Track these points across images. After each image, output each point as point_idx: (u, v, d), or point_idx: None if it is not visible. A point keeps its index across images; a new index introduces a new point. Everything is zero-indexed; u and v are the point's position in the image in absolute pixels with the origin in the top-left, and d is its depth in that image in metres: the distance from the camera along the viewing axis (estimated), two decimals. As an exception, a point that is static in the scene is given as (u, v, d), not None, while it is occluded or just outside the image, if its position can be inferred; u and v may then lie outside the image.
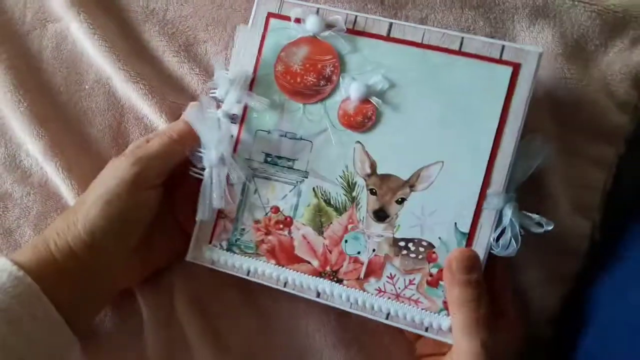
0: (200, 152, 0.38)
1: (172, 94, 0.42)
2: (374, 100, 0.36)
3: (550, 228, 0.35)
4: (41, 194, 0.42)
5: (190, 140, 0.37)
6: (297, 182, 0.38)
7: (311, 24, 0.37)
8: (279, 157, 0.38)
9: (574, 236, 0.39)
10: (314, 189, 0.38)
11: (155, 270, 0.40)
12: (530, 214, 0.35)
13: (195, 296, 0.40)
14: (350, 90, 0.37)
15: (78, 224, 0.35)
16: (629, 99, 0.38)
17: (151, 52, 0.43)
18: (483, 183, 0.35)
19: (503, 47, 0.35)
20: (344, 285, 0.37)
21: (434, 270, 0.36)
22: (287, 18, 0.38)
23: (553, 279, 0.39)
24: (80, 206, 0.36)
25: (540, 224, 0.35)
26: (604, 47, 0.39)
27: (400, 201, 0.36)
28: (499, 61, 0.35)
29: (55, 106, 0.43)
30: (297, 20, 0.38)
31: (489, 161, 0.35)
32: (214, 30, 0.42)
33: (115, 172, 0.35)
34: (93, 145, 0.43)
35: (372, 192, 0.37)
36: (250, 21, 0.39)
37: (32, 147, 0.42)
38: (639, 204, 0.38)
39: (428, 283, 0.36)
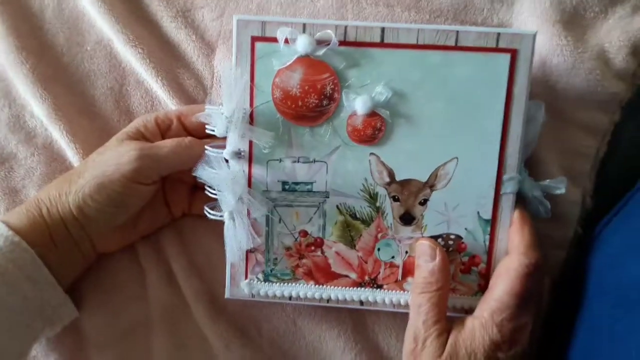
0: (213, 193, 0.35)
1: (169, 59, 0.41)
2: (382, 112, 0.34)
3: (564, 186, 0.35)
4: (45, 155, 0.41)
5: (200, 151, 0.35)
6: (319, 203, 0.36)
7: (302, 45, 0.34)
8: (296, 183, 0.36)
9: (565, 202, 0.38)
10: (337, 206, 0.36)
11: (138, 238, 0.40)
12: (542, 183, 0.36)
13: (189, 259, 0.40)
14: (355, 105, 0.35)
15: (70, 196, 0.35)
16: (626, 67, 0.37)
17: (150, 15, 0.41)
18: (498, 170, 0.35)
19: (498, 35, 0.34)
20: (384, 290, 0.37)
21: (465, 259, 0.37)
22: (273, 40, 0.34)
23: (546, 245, 0.38)
24: (75, 178, 0.35)
25: (555, 187, 0.36)
26: (604, 13, 0.38)
27: (423, 202, 0.36)
28: (496, 49, 0.34)
29: (57, 67, 0.41)
30: (286, 41, 0.34)
31: (500, 148, 0.35)
32: None
33: (117, 159, 0.35)
34: (96, 107, 0.41)
35: (395, 198, 0.36)
36: (234, 50, 0.34)
37: (36, 108, 0.40)
38: (636, 172, 0.38)
39: (461, 271, 0.37)
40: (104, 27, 0.41)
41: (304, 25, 0.34)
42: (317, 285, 0.38)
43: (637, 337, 0.32)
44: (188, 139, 0.37)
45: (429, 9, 0.39)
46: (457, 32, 0.34)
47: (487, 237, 0.36)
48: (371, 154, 0.36)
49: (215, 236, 0.39)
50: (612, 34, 0.37)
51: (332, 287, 0.37)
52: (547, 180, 0.36)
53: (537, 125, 0.36)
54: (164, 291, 0.40)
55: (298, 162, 0.36)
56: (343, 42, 0.34)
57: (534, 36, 0.34)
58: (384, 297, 0.37)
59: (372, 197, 0.36)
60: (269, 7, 0.40)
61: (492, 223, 0.36)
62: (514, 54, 0.34)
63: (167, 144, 0.36)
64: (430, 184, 0.36)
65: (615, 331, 0.33)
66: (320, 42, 0.34)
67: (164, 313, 0.40)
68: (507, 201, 0.36)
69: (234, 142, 0.35)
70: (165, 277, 0.40)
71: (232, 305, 0.40)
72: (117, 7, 0.40)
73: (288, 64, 0.34)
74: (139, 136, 0.38)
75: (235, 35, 0.34)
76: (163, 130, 0.38)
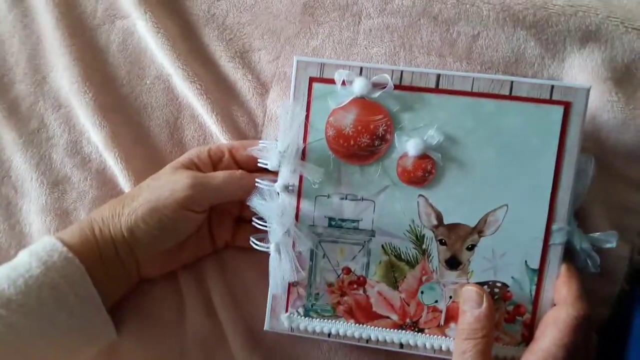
0: (262, 225, 0.35)
1: (224, 97, 0.42)
2: (434, 155, 0.34)
3: (615, 240, 0.34)
4: (98, 179, 0.42)
5: (251, 184, 0.36)
6: (364, 241, 0.36)
7: (359, 87, 0.34)
8: (343, 220, 0.36)
9: (613, 258, 0.37)
10: (382, 246, 0.36)
11: (180, 266, 0.39)
12: (593, 235, 0.35)
13: (229, 291, 0.40)
14: (407, 147, 0.34)
15: (122, 218, 0.35)
16: None
17: (209, 55, 0.42)
18: (547, 220, 0.34)
19: (552, 87, 0.33)
20: (425, 334, 0.36)
21: (510, 308, 0.35)
22: (331, 81, 0.35)
23: (593, 301, 0.36)
24: (129, 200, 0.36)
25: (606, 240, 0.34)
26: None
27: (471, 247, 0.35)
28: (550, 101, 0.33)
29: (117, 98, 0.42)
30: (343, 83, 0.34)
31: (550, 198, 0.34)
32: (269, 40, 0.41)
33: (172, 185, 0.35)
34: (150, 138, 0.42)
35: (442, 242, 0.35)
36: (292, 88, 0.35)
37: (93, 135, 0.42)
38: None
39: (505, 320, 0.36)
40: (164, 62, 0.42)
41: (361, 68, 0.35)
42: (357, 324, 0.36)
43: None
44: (240, 171, 0.37)
45: (480, 61, 0.39)
46: (512, 82, 0.34)
47: (534, 287, 0.35)
48: (420, 195, 0.35)
49: (256, 270, 0.39)
50: None
51: (372, 327, 0.36)
52: (598, 233, 0.35)
53: (587, 178, 0.35)
54: (202, 321, 0.40)
55: (346, 199, 0.36)
56: (398, 87, 0.35)
57: (588, 90, 0.33)
58: (425, 342, 0.36)
59: (419, 239, 0.36)
60: (324, 52, 0.41)
61: (540, 273, 0.35)
62: (567, 106, 0.34)
63: (220, 174, 0.36)
64: (478, 230, 0.35)
65: None
66: (376, 86, 0.34)
67: (199, 343, 0.39)
68: (555, 252, 0.34)
69: (285, 176, 0.35)
70: (203, 307, 0.40)
71: (269, 340, 0.39)
72: (179, 45, 0.42)
73: (343, 104, 0.35)
74: (192, 166, 0.38)
75: (294, 75, 0.35)
76: (215, 162, 0.39)
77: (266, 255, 0.36)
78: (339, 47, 0.41)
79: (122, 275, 0.37)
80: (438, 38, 0.39)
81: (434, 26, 0.39)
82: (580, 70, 0.38)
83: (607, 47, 0.38)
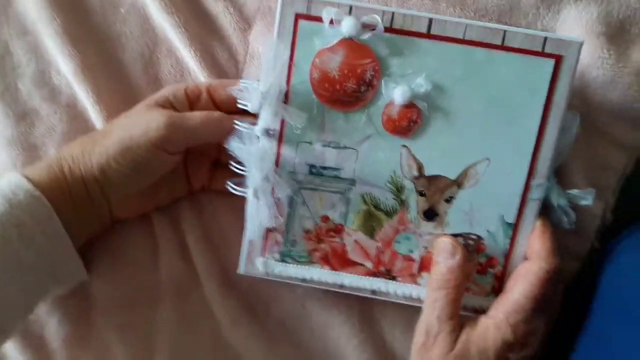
0: (240, 169, 0.34)
1: (204, 31, 0.39)
2: (420, 104, 0.33)
3: (591, 198, 0.34)
4: (68, 113, 0.39)
5: (229, 126, 0.34)
6: (344, 190, 0.35)
7: (348, 27, 0.32)
8: (324, 168, 0.35)
9: (586, 215, 0.37)
10: (362, 196, 0.35)
11: (154, 208, 0.38)
12: (570, 192, 0.35)
13: (204, 234, 0.39)
14: (394, 95, 0.33)
15: (93, 156, 0.34)
16: None
17: None
18: (528, 175, 0.34)
19: (545, 39, 0.32)
20: (398, 282, 0.36)
21: (483, 260, 0.36)
22: (318, 19, 0.33)
23: (564, 257, 0.36)
24: (100, 138, 0.34)
25: (583, 197, 0.35)
26: None
27: (449, 200, 0.35)
28: (542, 54, 0.32)
29: (89, 27, 0.39)
30: (331, 22, 0.32)
31: (532, 154, 0.34)
32: None
33: (146, 124, 0.33)
34: (124, 71, 0.39)
35: (421, 193, 0.35)
36: (276, 24, 0.33)
37: (63, 66, 0.39)
38: None
39: (477, 271, 0.36)
40: None
41: (351, 7, 0.33)
42: (332, 271, 0.36)
43: (636, 354, 0.32)
44: (218, 112, 0.35)
45: (474, 7, 0.37)
46: (505, 31, 0.32)
47: (508, 240, 0.35)
48: (403, 146, 0.34)
49: (232, 214, 0.38)
50: None
51: (346, 273, 0.36)
52: (575, 190, 0.35)
53: (571, 135, 0.35)
54: (176, 263, 0.39)
55: (329, 146, 0.35)
56: (389, 29, 0.33)
57: (581, 44, 0.32)
58: (397, 289, 0.36)
59: (399, 190, 0.35)
60: (312, -13, 0.38)
61: (515, 227, 0.35)
62: (558, 60, 0.32)
63: (197, 115, 0.35)
64: (458, 182, 0.35)
65: (615, 345, 0.33)
66: (366, 27, 0.33)
67: (173, 285, 0.39)
68: (532, 207, 0.35)
69: (266, 119, 0.34)
70: (178, 250, 0.39)
71: (243, 283, 0.39)
72: None
73: (330, 45, 0.33)
74: (167, 105, 0.36)
75: (279, 10, 0.33)
76: (192, 101, 0.37)
77: (244, 199, 0.35)
78: (329, -16, 0.38)
79: (93, 215, 0.36)
80: (433, -20, 0.37)
81: None
82: (575, 23, 0.37)
83: (603, 1, 0.36)
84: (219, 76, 0.39)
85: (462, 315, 0.34)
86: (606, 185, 0.38)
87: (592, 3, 0.36)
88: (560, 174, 0.37)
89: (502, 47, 0.33)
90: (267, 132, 0.34)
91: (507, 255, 0.36)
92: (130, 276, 0.39)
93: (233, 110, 0.36)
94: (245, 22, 0.39)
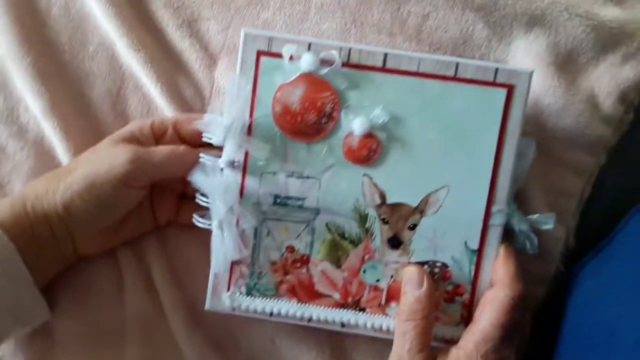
0: (205, 201, 0.34)
1: (171, 67, 0.40)
2: (378, 134, 0.34)
3: (552, 222, 0.35)
4: (35, 150, 0.39)
5: (194, 160, 0.34)
6: (309, 220, 0.35)
7: (307, 63, 0.33)
8: (288, 198, 0.35)
9: (550, 240, 0.38)
10: (327, 224, 0.35)
11: (120, 243, 0.38)
12: (530, 217, 0.35)
13: (170, 268, 0.39)
14: (353, 126, 0.34)
15: (57, 194, 0.33)
16: (614, 113, 0.38)
17: (155, 22, 0.40)
18: (487, 201, 0.35)
19: (497, 70, 0.34)
20: (367, 313, 0.36)
21: (450, 288, 0.36)
22: (278, 55, 0.34)
23: (529, 282, 0.36)
24: (64, 175, 0.34)
25: (544, 222, 0.35)
26: (596, 60, 0.38)
27: (412, 227, 0.35)
28: (494, 84, 0.34)
29: (58, 65, 0.40)
30: (291, 58, 0.33)
31: (491, 181, 0.34)
32: (218, 9, 0.40)
33: (111, 160, 0.33)
34: (92, 108, 0.40)
35: (384, 221, 0.35)
36: (239, 60, 0.34)
37: (31, 103, 0.39)
38: (619, 213, 0.38)
39: (445, 300, 0.36)
40: (109, 29, 0.40)
41: (310, 44, 0.34)
42: (299, 303, 0.36)
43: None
44: (182, 147, 0.36)
45: (429, 41, 0.39)
46: (457, 63, 0.34)
47: (473, 267, 0.35)
48: (364, 174, 0.35)
49: (198, 247, 0.38)
50: (601, 80, 0.38)
51: (314, 306, 0.36)
52: (536, 215, 0.36)
53: (527, 161, 0.36)
54: (141, 298, 0.38)
55: (292, 176, 0.35)
56: (346, 64, 0.34)
57: (531, 74, 0.34)
58: (366, 321, 0.36)
59: (362, 218, 0.35)
60: (275, 25, 0.40)
61: (479, 254, 0.35)
62: (510, 89, 0.34)
63: (162, 150, 0.35)
64: (420, 210, 0.35)
65: None
66: (324, 62, 0.34)
67: (139, 321, 0.38)
68: (494, 233, 0.35)
69: (230, 151, 0.34)
70: (143, 284, 0.39)
71: (211, 318, 0.38)
72: (124, 11, 0.40)
73: (291, 79, 0.34)
74: (133, 140, 0.36)
75: (241, 47, 0.34)
76: (158, 136, 0.37)
77: (210, 233, 0.35)
78: (290, 21, 0.40)
79: (57, 253, 0.35)
80: (389, 16, 0.39)
81: (385, 4, 0.38)
82: (526, 54, 0.38)
83: (551, 33, 0.38)
84: (185, 111, 0.40)
85: (432, 347, 0.34)
86: (566, 209, 0.38)
87: (540, 35, 0.38)
88: (520, 200, 0.38)
89: (455, 79, 0.34)
90: (231, 164, 0.35)
91: (474, 282, 0.36)
92: (95, 313, 0.38)
93: (199, 144, 0.36)
94: (211, 59, 0.40)
